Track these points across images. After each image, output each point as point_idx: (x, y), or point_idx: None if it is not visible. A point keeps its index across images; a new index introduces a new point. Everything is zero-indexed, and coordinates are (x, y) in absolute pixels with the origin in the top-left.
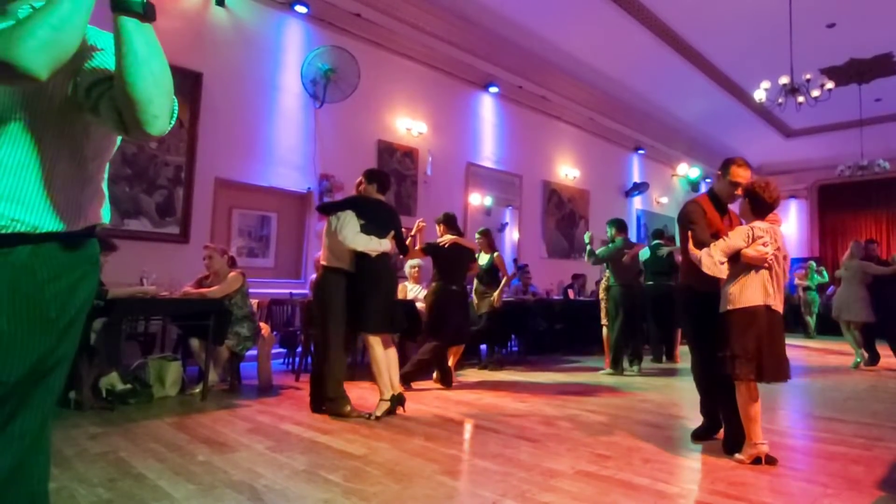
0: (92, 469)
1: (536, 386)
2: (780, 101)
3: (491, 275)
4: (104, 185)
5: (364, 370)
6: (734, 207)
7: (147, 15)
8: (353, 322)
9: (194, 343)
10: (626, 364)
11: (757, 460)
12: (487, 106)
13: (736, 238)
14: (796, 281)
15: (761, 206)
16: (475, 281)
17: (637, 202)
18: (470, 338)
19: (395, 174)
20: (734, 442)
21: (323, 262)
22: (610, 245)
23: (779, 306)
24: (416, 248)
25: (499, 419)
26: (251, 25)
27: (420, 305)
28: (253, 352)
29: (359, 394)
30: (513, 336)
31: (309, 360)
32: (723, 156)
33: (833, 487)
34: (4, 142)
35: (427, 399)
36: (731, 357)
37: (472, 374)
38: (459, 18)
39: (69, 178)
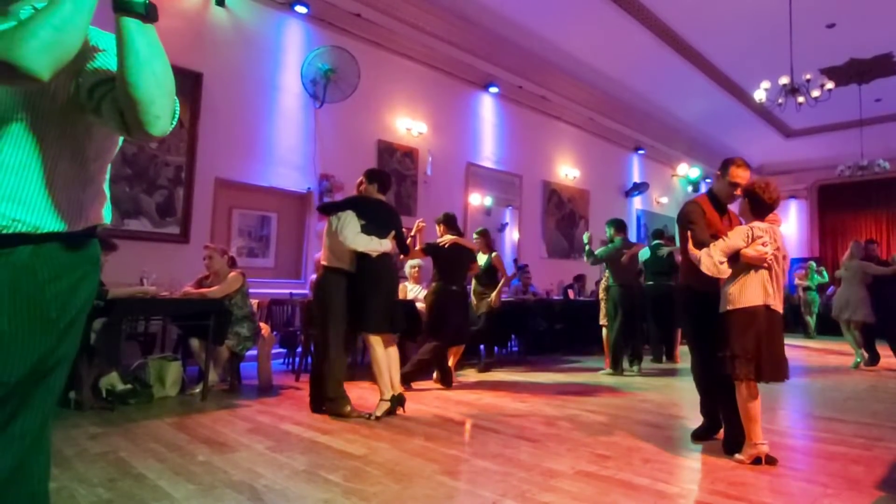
0: (92, 469)
1: (536, 386)
2: (780, 101)
3: (489, 275)
4: (105, 186)
5: (364, 370)
6: (734, 207)
7: (149, 16)
8: (353, 322)
9: (194, 343)
10: (626, 364)
11: (757, 460)
12: (487, 106)
13: (735, 238)
14: (796, 281)
15: (761, 206)
16: (473, 281)
17: (637, 202)
18: (470, 338)
19: (395, 174)
20: (734, 442)
21: (323, 262)
22: (609, 245)
23: (778, 306)
24: (416, 248)
25: (499, 419)
26: (251, 25)
27: (420, 305)
28: (253, 352)
29: (359, 394)
30: (513, 336)
31: (309, 360)
32: (723, 156)
33: (833, 487)
34: (6, 142)
35: (427, 399)
36: (731, 357)
37: (471, 375)
38: (459, 18)
39: (71, 179)
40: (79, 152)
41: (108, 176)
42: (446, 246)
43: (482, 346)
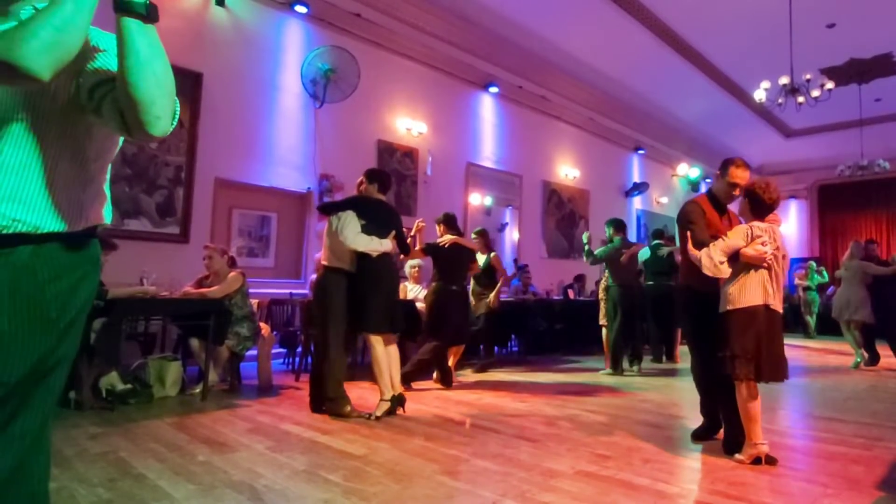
0: (92, 469)
1: (536, 386)
2: (780, 101)
3: (488, 275)
4: (106, 186)
5: (364, 370)
6: (734, 207)
7: (150, 16)
8: (353, 322)
9: (194, 343)
10: (626, 364)
11: (757, 460)
12: (487, 106)
13: (735, 237)
14: (796, 281)
15: (761, 206)
16: (472, 282)
17: (637, 202)
18: (470, 338)
19: (395, 174)
20: (734, 442)
21: (324, 262)
22: (608, 245)
23: (778, 306)
24: (417, 248)
25: (499, 419)
26: (251, 25)
27: (420, 305)
28: (253, 352)
29: (359, 394)
30: (513, 336)
31: (309, 360)
32: (723, 156)
33: (833, 487)
34: (7, 142)
35: (427, 399)
36: (731, 357)
37: (471, 375)
38: (459, 18)
39: (71, 179)
40: (79, 152)
41: (108, 176)
42: (446, 246)
43: (481, 347)
